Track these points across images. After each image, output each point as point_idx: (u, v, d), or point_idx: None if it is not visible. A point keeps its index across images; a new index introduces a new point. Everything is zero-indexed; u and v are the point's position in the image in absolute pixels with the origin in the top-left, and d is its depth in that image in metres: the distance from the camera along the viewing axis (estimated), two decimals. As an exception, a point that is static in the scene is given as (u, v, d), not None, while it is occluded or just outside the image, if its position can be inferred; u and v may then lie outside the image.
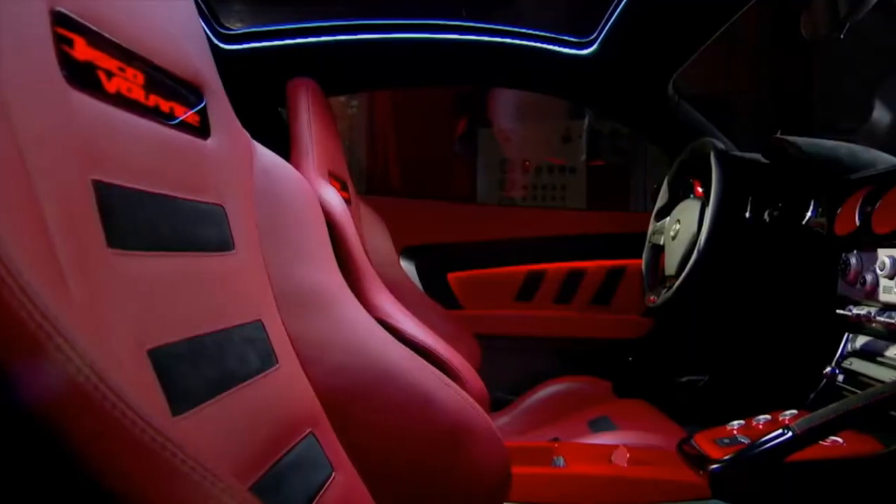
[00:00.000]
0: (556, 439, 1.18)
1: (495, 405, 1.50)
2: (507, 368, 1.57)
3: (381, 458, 0.65)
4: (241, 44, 1.35)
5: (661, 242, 1.34)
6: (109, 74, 0.42)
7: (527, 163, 2.89)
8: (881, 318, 0.90)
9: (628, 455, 0.91)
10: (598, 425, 1.26)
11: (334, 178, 1.16)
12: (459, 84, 2.32)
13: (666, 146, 1.52)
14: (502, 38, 1.40)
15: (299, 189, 0.71)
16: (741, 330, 1.35)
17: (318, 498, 0.55)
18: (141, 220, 0.43)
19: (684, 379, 1.56)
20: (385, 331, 0.71)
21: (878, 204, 0.93)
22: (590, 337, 1.60)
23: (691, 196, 1.30)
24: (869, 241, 0.94)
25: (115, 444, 0.25)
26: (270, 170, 0.68)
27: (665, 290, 1.23)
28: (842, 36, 0.93)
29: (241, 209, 0.60)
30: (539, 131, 2.89)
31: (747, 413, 0.96)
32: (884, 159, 1.13)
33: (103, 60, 0.42)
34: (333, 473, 0.58)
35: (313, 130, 1.09)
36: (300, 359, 0.63)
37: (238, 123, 0.64)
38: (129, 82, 0.44)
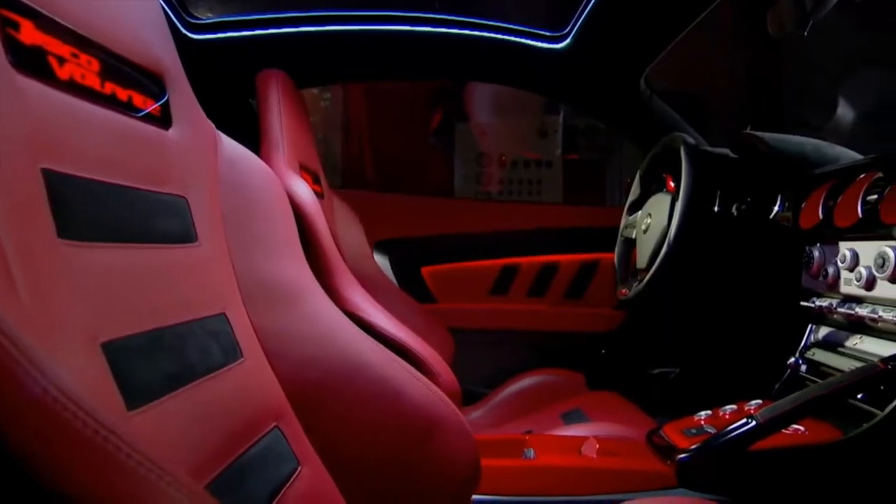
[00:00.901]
0: (529, 432, 1.18)
1: (469, 398, 1.51)
2: (481, 362, 1.57)
3: (350, 452, 0.65)
4: (209, 33, 1.32)
5: (633, 236, 1.36)
6: (61, 60, 0.41)
7: (503, 157, 2.90)
8: (842, 310, 0.92)
9: (598, 446, 0.91)
10: (570, 418, 1.27)
11: (306, 170, 1.15)
12: (432, 78, 2.31)
13: (638, 141, 1.54)
14: (475, 31, 1.40)
15: (266, 181, 0.70)
16: (710, 322, 1.38)
17: (283, 491, 0.54)
18: (95, 211, 0.42)
19: (656, 371, 1.58)
20: (354, 324, 0.71)
21: (839, 198, 0.95)
22: (563, 330, 1.61)
23: (663, 190, 1.32)
24: (831, 235, 0.97)
25: (63, 445, 0.25)
26: (236, 161, 0.67)
27: (636, 284, 1.24)
28: (805, 33, 0.95)
29: (205, 201, 0.59)
30: (516, 126, 2.89)
31: (716, 403, 0.98)
32: (847, 155, 1.15)
33: (54, 45, 0.40)
34: (299, 467, 0.58)
35: (284, 122, 1.07)
36: (266, 352, 0.62)
37: (202, 114, 0.63)
38: (83, 69, 0.43)
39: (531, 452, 0.92)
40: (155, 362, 0.43)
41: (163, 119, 0.55)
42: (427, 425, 0.68)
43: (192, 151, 0.59)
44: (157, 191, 0.51)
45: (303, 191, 0.98)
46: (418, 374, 0.71)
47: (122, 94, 0.48)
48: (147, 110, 0.52)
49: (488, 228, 1.64)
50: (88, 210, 0.41)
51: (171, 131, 0.56)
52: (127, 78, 0.49)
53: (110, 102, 0.47)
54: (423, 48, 1.42)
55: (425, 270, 1.60)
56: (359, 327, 0.71)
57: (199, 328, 0.51)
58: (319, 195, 1.21)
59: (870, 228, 0.86)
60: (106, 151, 0.45)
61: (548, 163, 2.86)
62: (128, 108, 0.49)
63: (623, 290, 1.31)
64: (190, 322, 0.50)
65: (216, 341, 0.54)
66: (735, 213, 1.18)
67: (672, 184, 1.32)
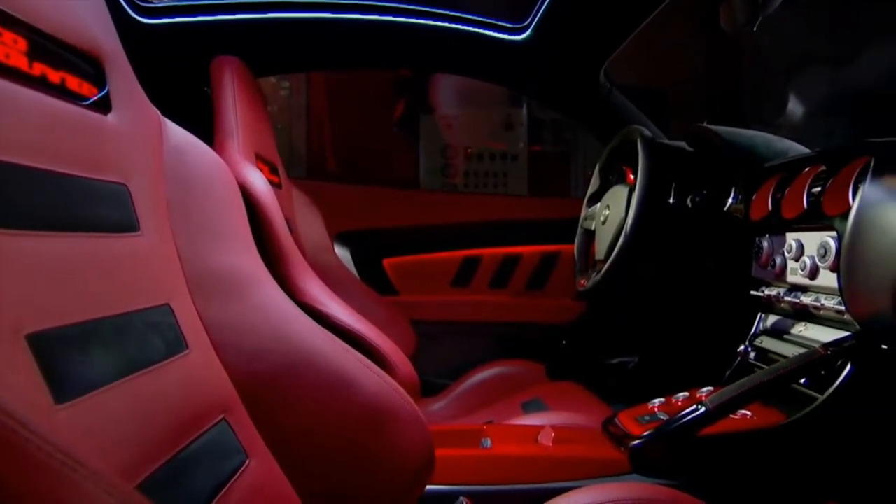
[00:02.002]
0: (490, 422, 1.19)
1: (432, 390, 1.51)
2: (444, 353, 1.58)
3: (301, 444, 0.64)
4: (162, 18, 1.28)
5: (593, 227, 1.37)
6: (-18, 39, 0.39)
7: (469, 149, 2.90)
8: (788, 298, 0.95)
9: (553, 435, 0.93)
10: (530, 407, 1.29)
11: (262, 160, 1.13)
12: (393, 67, 2.29)
13: (598, 133, 1.56)
14: (435, 21, 1.39)
15: (215, 169, 0.69)
16: (667, 312, 1.40)
17: (229, 484, 0.53)
18: (22, 198, 0.41)
19: (615, 361, 1.61)
20: (306, 315, 0.70)
21: (787, 191, 0.98)
22: (524, 321, 1.62)
23: (622, 182, 1.33)
24: (779, 226, 0.99)
25: None
26: (183, 149, 0.65)
27: (595, 275, 1.26)
28: (755, 29, 0.97)
29: (149, 189, 0.58)
30: (481, 118, 2.90)
31: (672, 391, 1.00)
32: (795, 149, 1.19)
33: (-27, 23, 0.39)
34: (248, 460, 0.57)
35: (239, 111, 1.05)
36: (215, 344, 0.61)
37: (146, 99, 0.61)
38: (8, 48, 0.41)
39: (488, 442, 0.92)
40: (88, 355, 0.42)
41: (101, 103, 0.53)
42: (380, 417, 0.68)
43: (134, 138, 0.57)
44: (94, 178, 0.50)
45: (257, 181, 0.96)
46: (373, 365, 0.71)
47: (54, 75, 0.46)
48: (83, 93, 0.50)
49: (451, 220, 1.64)
50: (14, 196, 0.40)
51: (110, 116, 0.54)
52: (59, 59, 0.47)
53: (40, 85, 0.45)
54: (383, 37, 1.40)
55: (387, 262, 1.60)
56: (314, 319, 0.70)
57: (139, 320, 0.50)
58: (277, 186, 1.19)
59: (814, 219, 0.89)
60: (35, 135, 0.43)
61: (513, 156, 2.87)
62: (61, 92, 0.47)
63: (582, 281, 1.32)
64: (129, 313, 0.49)
65: (158, 333, 0.53)
66: (690, 205, 1.20)
67: (632, 176, 1.34)
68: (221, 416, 0.57)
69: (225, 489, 0.52)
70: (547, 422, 1.05)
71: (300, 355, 0.66)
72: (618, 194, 1.28)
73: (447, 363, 1.56)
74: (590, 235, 1.40)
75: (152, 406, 0.47)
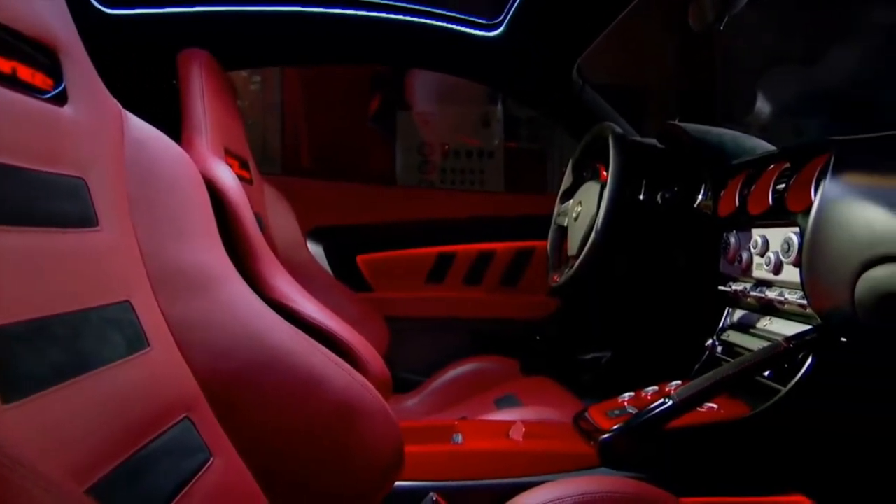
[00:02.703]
0: (464, 418, 1.19)
1: (406, 386, 1.51)
2: (418, 349, 1.57)
3: (267, 441, 0.63)
4: (127, 8, 1.25)
5: (566, 224, 1.38)
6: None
7: (446, 146, 2.89)
8: (754, 293, 0.97)
9: (524, 430, 0.93)
10: (503, 403, 1.29)
11: (232, 156, 1.11)
12: (365, 62, 2.28)
13: (571, 130, 1.57)
14: (408, 16, 1.38)
15: (179, 164, 0.67)
16: (638, 307, 1.42)
17: (191, 483, 0.52)
18: (-31, 191, 0.39)
19: (588, 356, 1.63)
20: (275, 312, 0.69)
21: (753, 187, 1.00)
22: (499, 317, 1.63)
23: (595, 178, 1.35)
24: (745, 222, 1.01)
25: None
26: (145, 143, 0.64)
27: (567, 270, 1.27)
28: (722, 28, 0.99)
29: (108, 183, 0.56)
30: (458, 115, 2.89)
31: (643, 385, 1.01)
32: (762, 146, 1.21)
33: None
34: (211, 458, 0.56)
35: (207, 105, 1.04)
36: (178, 342, 0.60)
37: (105, 91, 0.60)
38: (-47, 37, 0.40)
39: (459, 438, 0.93)
40: (40, 353, 0.41)
41: (56, 95, 0.52)
42: (348, 414, 0.67)
43: (92, 131, 0.56)
44: (49, 171, 0.48)
45: (225, 176, 0.95)
46: (342, 362, 0.71)
47: (4, 65, 0.45)
48: (36, 84, 0.49)
49: (425, 216, 1.63)
50: (-40, 190, 0.38)
51: (66, 108, 0.52)
52: (9, 48, 0.46)
53: (-11, 75, 0.43)
54: (356, 32, 1.39)
55: (361, 259, 1.59)
56: (284, 316, 0.70)
57: (96, 317, 0.49)
58: (247, 181, 1.17)
59: (778, 216, 0.91)
60: (-17, 127, 0.42)
61: (490, 152, 2.87)
62: (11, 82, 0.46)
63: (555, 277, 1.33)
64: (86, 310, 0.48)
65: (118, 330, 0.52)
66: (660, 202, 1.22)
67: (605, 172, 1.35)
68: (184, 415, 0.56)
69: (187, 488, 0.52)
70: (519, 417, 1.06)
71: (267, 353, 0.65)
72: (590, 190, 1.28)
73: (421, 359, 1.56)
74: (563, 231, 1.41)
75: (109, 405, 0.46)
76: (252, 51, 1.40)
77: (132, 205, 0.59)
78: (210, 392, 0.61)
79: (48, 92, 0.51)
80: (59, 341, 0.43)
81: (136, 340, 0.53)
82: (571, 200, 1.39)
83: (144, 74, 1.29)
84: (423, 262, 1.60)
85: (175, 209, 0.65)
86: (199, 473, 0.54)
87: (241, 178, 1.10)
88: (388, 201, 1.66)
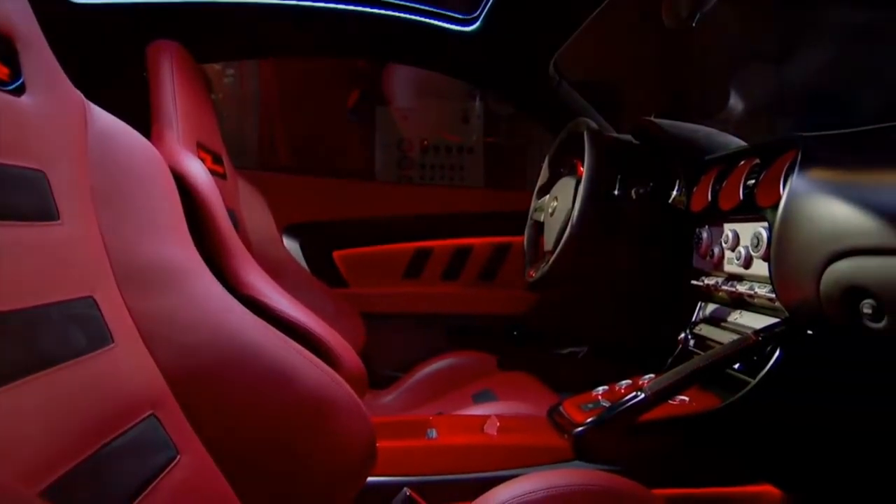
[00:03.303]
0: (440, 413, 1.19)
1: (383, 382, 1.50)
2: (395, 345, 1.57)
3: (237, 439, 0.63)
4: (97, -1, 1.23)
5: (542, 219, 1.39)
6: None
7: (425, 142, 2.88)
8: (725, 287, 0.98)
9: (499, 424, 0.93)
10: (481, 398, 1.29)
11: (205, 150, 1.09)
12: (340, 56, 2.26)
13: (547, 125, 1.57)
14: (384, 9, 1.37)
15: (145, 156, 0.66)
16: (613, 302, 1.43)
17: (157, 480, 0.52)
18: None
19: (565, 351, 1.64)
20: (246, 308, 0.68)
21: (724, 183, 1.01)
22: (476, 313, 1.63)
23: (571, 174, 1.35)
24: (717, 217, 1.02)
25: None
26: (110, 135, 0.62)
27: (543, 265, 1.27)
28: (693, 24, 0.99)
29: (70, 175, 0.55)
30: (438, 111, 2.88)
31: (619, 380, 1.02)
32: (735, 142, 1.22)
33: None
34: (178, 456, 0.55)
35: (178, 98, 1.02)
36: (145, 337, 0.59)
37: (67, 82, 0.59)
38: None
39: (434, 433, 0.93)
40: (-6, 348, 0.40)
41: (14, 86, 0.50)
42: (320, 410, 0.67)
43: (53, 122, 0.55)
44: (5, 163, 0.47)
45: (197, 170, 0.93)
46: (314, 358, 0.70)
47: (-43, 55, 0.44)
48: (-8, 75, 0.48)
49: (401, 212, 1.63)
50: None
51: (24, 98, 0.51)
52: (-38, 37, 0.44)
53: (-61, 63, 0.42)
54: (331, 25, 1.38)
55: (337, 254, 1.58)
56: (257, 312, 0.69)
57: (56, 312, 0.48)
58: (221, 176, 1.16)
59: (749, 211, 0.92)
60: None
61: (470, 148, 2.87)
62: (-35, 72, 0.44)
63: (531, 272, 1.34)
64: (45, 306, 0.47)
65: (80, 326, 0.51)
66: (634, 197, 1.22)
67: (581, 168, 1.35)
68: (150, 412, 0.55)
69: (152, 486, 0.51)
70: (495, 412, 1.06)
71: (237, 349, 0.65)
72: (566, 186, 1.29)
73: (398, 355, 1.55)
74: (539, 227, 1.41)
75: (69, 402, 0.45)
76: (225, 43, 1.38)
77: (96, 198, 0.58)
78: (178, 389, 0.60)
79: (5, 83, 0.49)
80: (16, 337, 0.42)
81: (100, 336, 0.52)
82: (548, 196, 1.39)
83: (114, 67, 1.26)
84: (400, 257, 1.59)
85: (141, 203, 0.63)
86: (166, 471, 0.53)
87: (214, 172, 1.09)
88: (365, 197, 1.66)
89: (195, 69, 1.15)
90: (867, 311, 0.67)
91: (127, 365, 0.55)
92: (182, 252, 0.67)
